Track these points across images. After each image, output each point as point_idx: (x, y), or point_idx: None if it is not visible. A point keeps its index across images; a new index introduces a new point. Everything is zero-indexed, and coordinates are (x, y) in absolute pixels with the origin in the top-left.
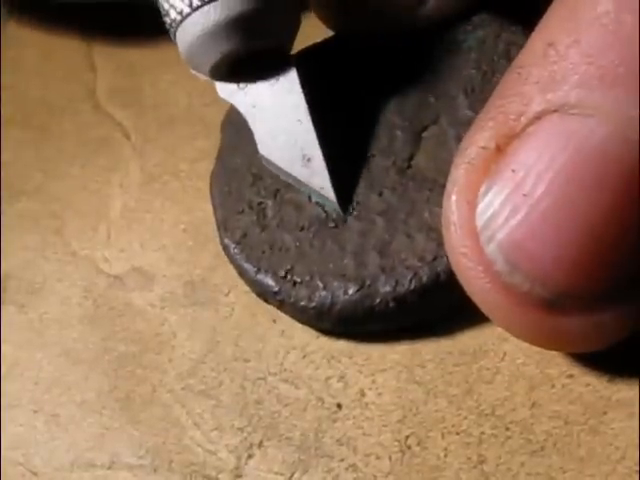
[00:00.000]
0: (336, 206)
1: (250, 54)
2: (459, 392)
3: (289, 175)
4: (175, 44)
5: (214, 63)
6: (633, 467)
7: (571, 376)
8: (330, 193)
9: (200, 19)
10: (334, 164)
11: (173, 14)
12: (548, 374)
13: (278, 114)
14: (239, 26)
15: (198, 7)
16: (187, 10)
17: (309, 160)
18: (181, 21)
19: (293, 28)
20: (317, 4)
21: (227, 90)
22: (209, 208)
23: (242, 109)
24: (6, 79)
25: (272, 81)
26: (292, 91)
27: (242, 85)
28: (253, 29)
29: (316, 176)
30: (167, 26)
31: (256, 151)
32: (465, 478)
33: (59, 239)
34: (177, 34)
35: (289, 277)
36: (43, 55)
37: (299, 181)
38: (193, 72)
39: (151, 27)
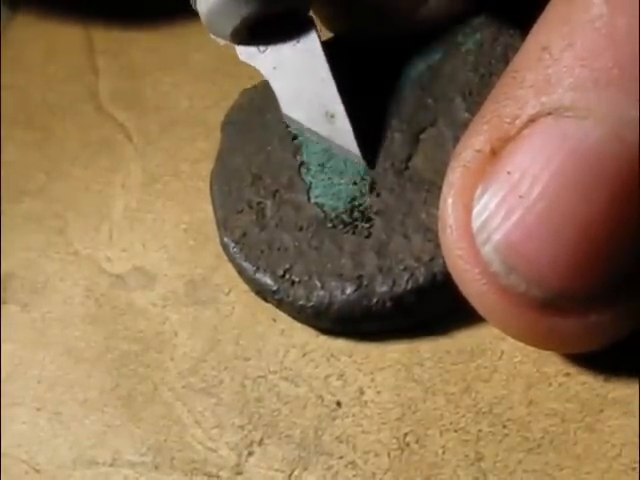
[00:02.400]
0: (360, 159)
1: (270, 17)
2: (457, 390)
3: (313, 132)
4: (196, 12)
5: (235, 27)
6: (629, 464)
7: (568, 374)
8: (354, 147)
9: None
10: (356, 120)
11: None
12: (545, 372)
13: (300, 74)
14: None
15: None
16: None
17: (332, 116)
18: None
19: None
20: (317, 6)
21: (247, 53)
22: (210, 208)
23: (263, 71)
24: (9, 80)
25: (293, 42)
26: (313, 51)
27: (262, 48)
28: None
29: (340, 131)
30: None
31: (256, 151)
32: (463, 475)
33: (62, 239)
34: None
35: (287, 276)
36: (46, 56)
37: (323, 137)
38: (213, 37)
39: (154, 28)
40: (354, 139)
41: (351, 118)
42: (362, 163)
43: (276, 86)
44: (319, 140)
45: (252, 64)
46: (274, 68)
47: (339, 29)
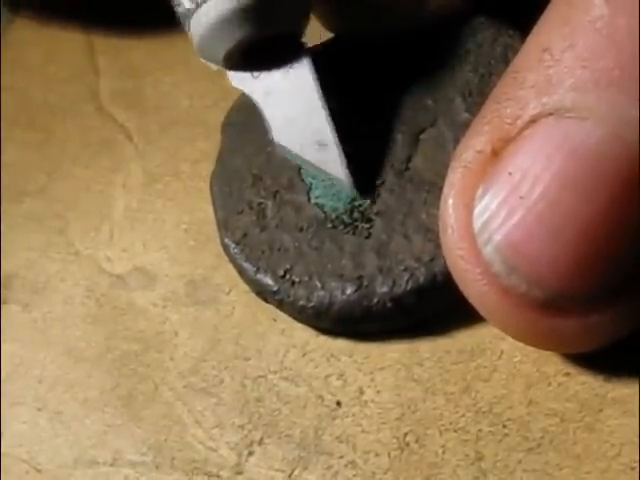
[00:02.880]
0: (352, 189)
1: (263, 42)
2: (457, 390)
3: (303, 160)
4: (188, 34)
5: (228, 51)
6: (629, 464)
7: (567, 374)
8: (345, 176)
9: (215, 6)
10: (348, 149)
11: (187, 3)
12: (545, 372)
13: (292, 101)
14: (253, 13)
15: None
16: None
17: (324, 145)
18: (195, 9)
19: (305, 15)
20: (316, 5)
21: (239, 78)
22: (210, 208)
23: (255, 97)
24: (10, 81)
25: (285, 68)
26: (305, 78)
27: (255, 74)
28: (267, 16)
29: (330, 160)
30: (180, 16)
31: (256, 152)
32: (463, 475)
33: (62, 239)
34: (191, 23)
35: (288, 277)
36: (46, 57)
37: (313, 166)
38: (204, 61)
39: (154, 30)
40: (345, 168)
41: (343, 146)
42: (353, 192)
43: (267, 113)
44: (309, 168)
45: (244, 90)
46: (266, 94)
47: (338, 29)
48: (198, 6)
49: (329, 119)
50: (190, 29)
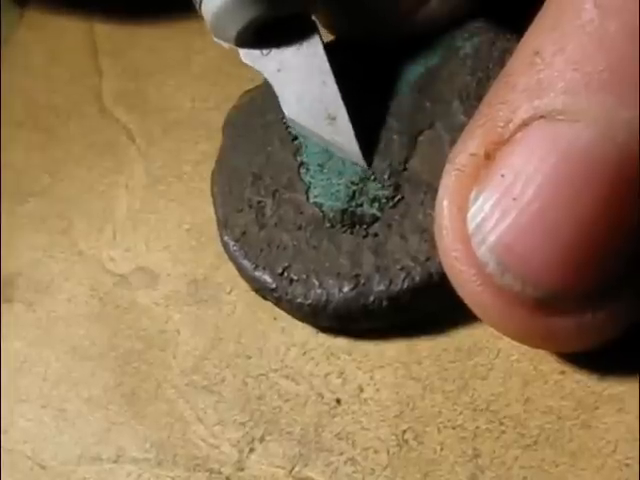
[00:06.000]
0: (361, 160)
1: (274, 20)
2: (455, 388)
3: (314, 134)
4: (200, 15)
5: (240, 30)
6: (623, 461)
7: (563, 372)
8: (355, 148)
9: None
10: (357, 121)
11: None
12: (541, 370)
13: (303, 77)
14: None
15: None
16: None
17: (334, 118)
18: None
19: None
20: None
21: (251, 56)
22: (212, 209)
23: (266, 74)
24: (14, 83)
25: (296, 46)
26: (316, 54)
27: (266, 51)
28: None
29: (341, 133)
30: None
31: (256, 151)
32: (460, 471)
33: (66, 239)
34: (203, 2)
35: (286, 274)
36: (50, 59)
37: (324, 139)
38: (216, 40)
39: (156, 32)
40: (355, 140)
41: (352, 119)
42: (363, 163)
43: (278, 89)
44: (321, 142)
45: (255, 66)
46: (277, 71)
47: (339, 31)
48: None
49: (339, 92)
50: (202, 8)
